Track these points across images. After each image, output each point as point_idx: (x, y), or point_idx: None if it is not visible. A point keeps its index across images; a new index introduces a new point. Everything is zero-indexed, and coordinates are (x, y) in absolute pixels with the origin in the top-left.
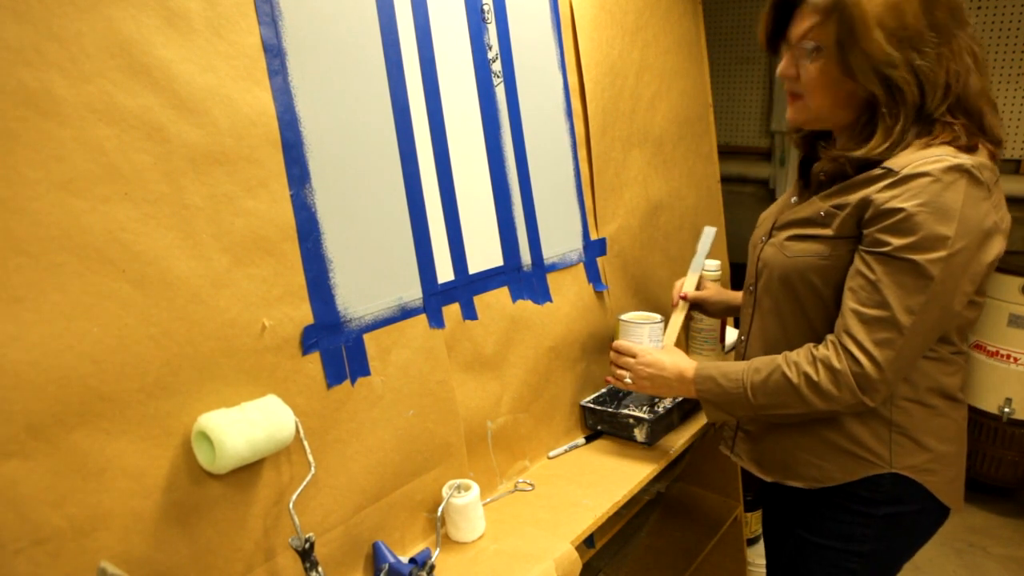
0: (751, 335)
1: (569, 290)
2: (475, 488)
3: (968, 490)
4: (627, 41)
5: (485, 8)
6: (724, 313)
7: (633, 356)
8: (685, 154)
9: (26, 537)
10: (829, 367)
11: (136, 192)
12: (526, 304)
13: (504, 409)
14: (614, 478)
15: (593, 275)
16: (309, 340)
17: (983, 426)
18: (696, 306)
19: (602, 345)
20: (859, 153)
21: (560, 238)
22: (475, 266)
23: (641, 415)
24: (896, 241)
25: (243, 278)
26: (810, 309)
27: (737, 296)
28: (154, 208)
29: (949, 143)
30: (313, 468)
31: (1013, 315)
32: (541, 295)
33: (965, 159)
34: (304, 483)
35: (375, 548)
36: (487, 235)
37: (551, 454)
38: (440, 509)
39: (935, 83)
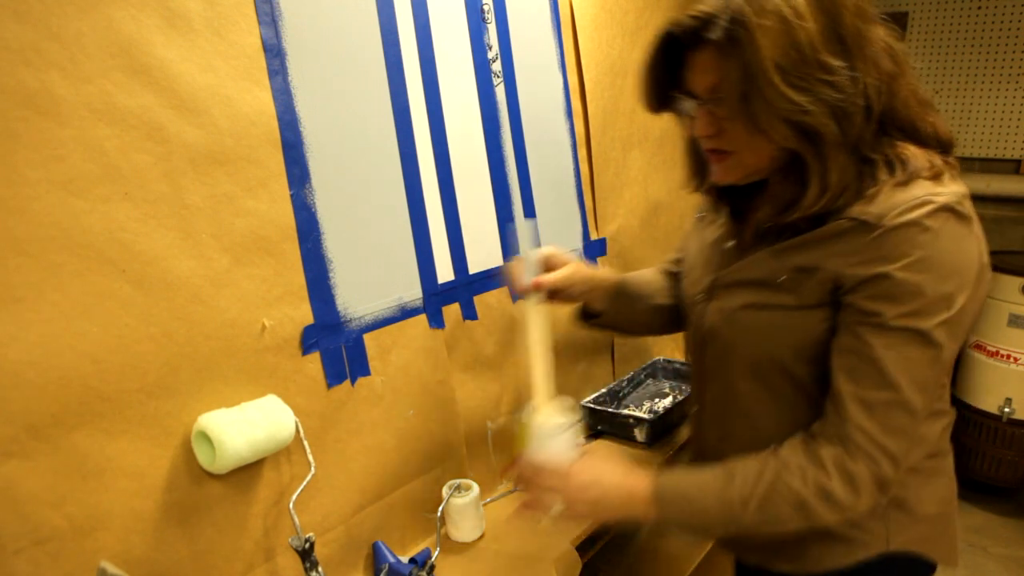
0: (706, 411)
1: None
2: (475, 488)
3: (968, 490)
4: (627, 41)
5: (485, 8)
6: (591, 294)
7: (561, 477)
8: None
9: (26, 537)
10: (844, 471)
11: (136, 192)
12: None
13: (504, 409)
14: None
15: None
16: (309, 340)
17: (983, 426)
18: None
19: (602, 346)
20: (801, 213)
21: (560, 238)
22: (475, 266)
23: (641, 415)
24: (894, 310)
25: (243, 278)
26: (782, 392)
27: (604, 276)
28: (154, 208)
29: (920, 177)
30: (313, 468)
31: (1013, 315)
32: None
33: (946, 195)
34: (304, 483)
35: (375, 548)
36: (487, 235)
37: None
38: (440, 509)
39: (855, 111)
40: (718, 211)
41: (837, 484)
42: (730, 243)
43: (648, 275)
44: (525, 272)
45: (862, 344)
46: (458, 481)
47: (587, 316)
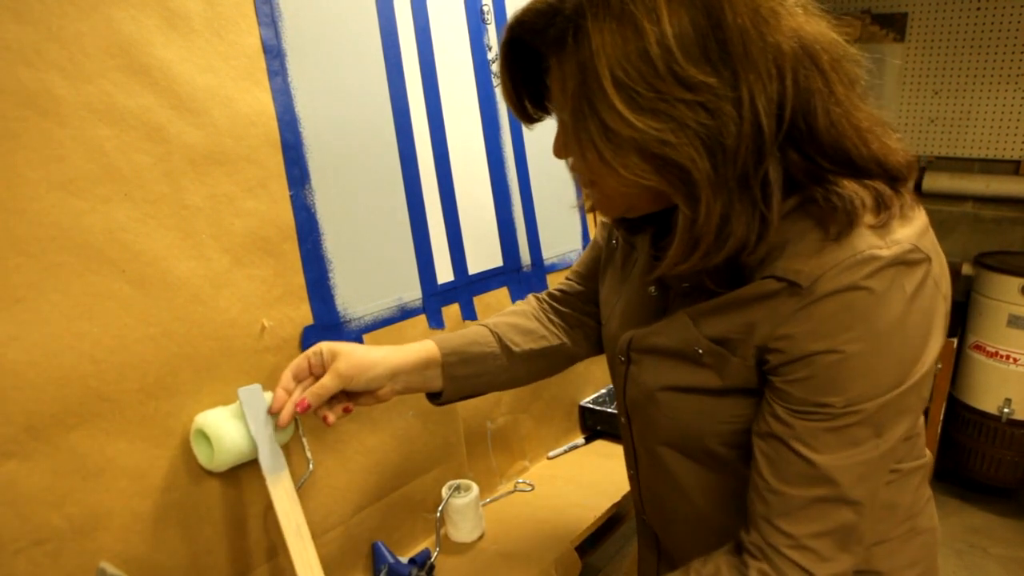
0: (641, 478)
1: None
2: (475, 488)
3: (968, 490)
4: None
5: (485, 9)
6: (410, 379)
7: None
8: None
9: (26, 537)
10: None
11: (136, 192)
12: None
13: (504, 409)
14: (614, 478)
15: None
16: (309, 341)
17: (983, 426)
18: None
19: None
20: (665, 271)
21: (560, 238)
22: (475, 266)
23: None
24: (829, 397)
25: (243, 278)
26: (713, 469)
27: (415, 352)
28: (154, 208)
29: (861, 223)
30: (311, 465)
31: (1012, 315)
32: None
33: (896, 244)
34: (303, 480)
35: (374, 548)
36: (487, 235)
37: (551, 454)
38: (439, 509)
39: (736, 142)
40: (634, 240)
41: None
42: (652, 288)
43: (508, 322)
44: (261, 449)
45: (789, 431)
46: (457, 482)
47: (431, 397)
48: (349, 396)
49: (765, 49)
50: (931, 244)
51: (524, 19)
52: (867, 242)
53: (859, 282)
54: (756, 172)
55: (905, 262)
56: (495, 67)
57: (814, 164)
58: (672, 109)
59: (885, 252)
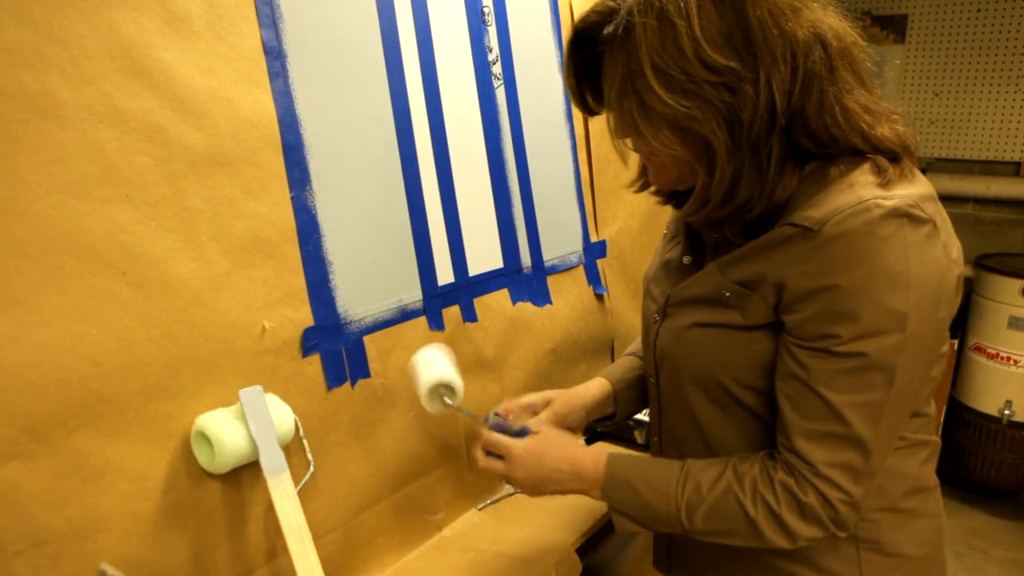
0: (663, 439)
1: (569, 292)
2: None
3: (968, 492)
4: None
5: (485, 10)
6: (594, 412)
7: (511, 452)
8: None
9: (26, 539)
10: (795, 500)
11: (137, 194)
12: (526, 306)
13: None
14: None
15: (593, 277)
16: (309, 342)
17: (983, 428)
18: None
19: (602, 346)
20: (692, 218)
21: (560, 240)
22: (475, 268)
23: (642, 418)
24: (835, 330)
25: (243, 280)
26: (736, 415)
27: (593, 388)
28: (155, 210)
29: (866, 180)
30: (312, 466)
31: (1013, 317)
32: (541, 297)
33: (899, 196)
34: (303, 481)
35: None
36: (487, 237)
37: None
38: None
39: (751, 117)
40: (679, 226)
41: (787, 512)
42: (687, 259)
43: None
44: (261, 450)
45: (803, 370)
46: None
47: (602, 421)
48: None
49: (781, 37)
50: (935, 210)
51: (588, 17)
52: (871, 192)
53: (862, 226)
54: (766, 142)
55: (907, 215)
56: (496, 68)
57: (793, 143)
58: (700, 89)
59: (887, 202)
